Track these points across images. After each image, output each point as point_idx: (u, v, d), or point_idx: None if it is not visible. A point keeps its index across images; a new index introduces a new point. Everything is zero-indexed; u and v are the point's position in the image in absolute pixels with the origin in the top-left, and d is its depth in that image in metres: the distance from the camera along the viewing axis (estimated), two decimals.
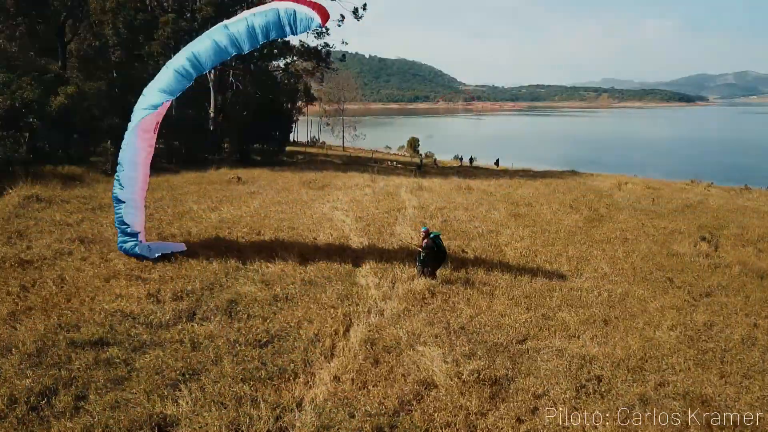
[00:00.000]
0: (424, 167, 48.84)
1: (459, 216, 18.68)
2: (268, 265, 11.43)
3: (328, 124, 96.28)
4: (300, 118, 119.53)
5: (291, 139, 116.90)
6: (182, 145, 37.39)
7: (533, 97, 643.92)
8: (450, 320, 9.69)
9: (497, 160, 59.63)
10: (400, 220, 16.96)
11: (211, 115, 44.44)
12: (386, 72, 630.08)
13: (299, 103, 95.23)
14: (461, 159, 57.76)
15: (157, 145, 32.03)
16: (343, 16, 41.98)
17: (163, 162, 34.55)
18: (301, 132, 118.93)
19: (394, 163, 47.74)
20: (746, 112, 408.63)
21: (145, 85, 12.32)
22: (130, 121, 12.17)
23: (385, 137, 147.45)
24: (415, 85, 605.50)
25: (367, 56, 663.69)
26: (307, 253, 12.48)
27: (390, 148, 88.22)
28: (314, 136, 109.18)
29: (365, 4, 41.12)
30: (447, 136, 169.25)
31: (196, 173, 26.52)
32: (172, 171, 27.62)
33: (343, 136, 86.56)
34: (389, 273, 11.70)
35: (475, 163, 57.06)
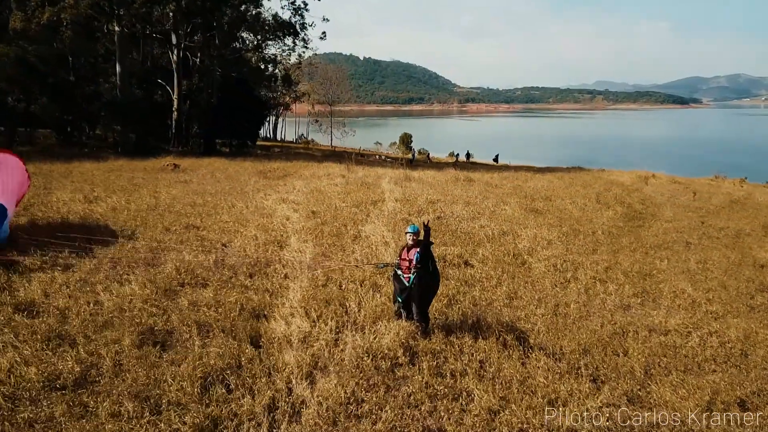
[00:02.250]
0: (416, 161, 43.73)
1: (458, 212, 13.44)
2: (97, 296, 6.15)
3: (317, 121, 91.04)
4: (288, 118, 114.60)
5: (277, 137, 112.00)
6: (135, 134, 32.04)
7: (528, 99, 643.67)
8: (446, 426, 4.45)
9: (496, 156, 54.55)
10: (373, 216, 11.68)
11: (175, 101, 39.10)
12: (381, 74, 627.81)
13: (287, 98, 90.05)
14: (457, 155, 52.65)
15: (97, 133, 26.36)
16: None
17: (108, 151, 29.18)
18: (290, 132, 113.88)
19: (383, 156, 42.53)
20: (740, 114, 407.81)
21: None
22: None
23: (377, 136, 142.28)
24: (409, 87, 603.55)
25: (361, 58, 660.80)
26: (192, 271, 7.20)
27: (381, 144, 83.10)
28: (302, 134, 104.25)
29: None
30: (442, 135, 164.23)
31: (129, 161, 21.20)
32: (101, 159, 22.25)
33: (332, 132, 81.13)
34: (334, 310, 6.45)
35: (472, 159, 51.96)
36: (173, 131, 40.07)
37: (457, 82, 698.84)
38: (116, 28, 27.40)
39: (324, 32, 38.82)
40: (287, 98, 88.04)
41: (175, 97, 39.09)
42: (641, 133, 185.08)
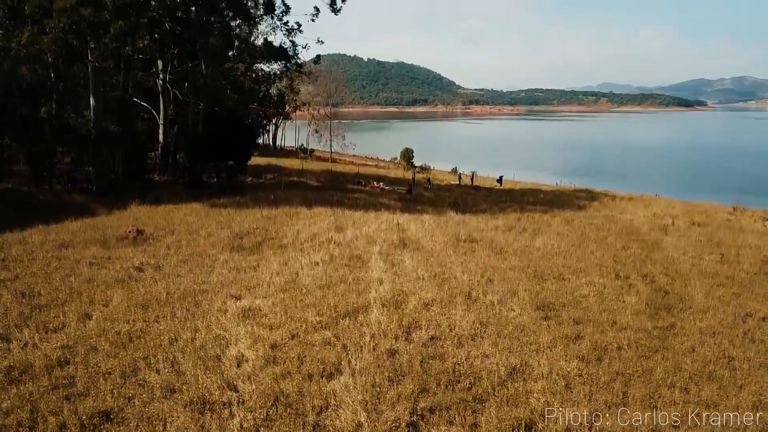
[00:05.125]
0: (416, 188, 41.71)
1: (458, 321, 11.25)
2: None
3: (317, 131, 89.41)
4: (288, 123, 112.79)
5: (278, 142, 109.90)
6: (117, 165, 29.88)
7: (532, 101, 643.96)
8: None
9: (500, 177, 52.54)
10: (351, 351, 9.46)
11: (160, 126, 37.11)
12: (385, 75, 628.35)
13: (287, 108, 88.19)
14: (460, 176, 50.49)
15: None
16: (317, 9, 34.66)
17: (80, 191, 27.04)
18: (290, 136, 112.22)
19: (381, 184, 40.37)
20: (747, 117, 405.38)
21: None
22: None
23: (380, 144, 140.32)
24: (413, 89, 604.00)
25: (365, 59, 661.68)
26: None
27: (383, 159, 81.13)
28: (302, 144, 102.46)
29: None
30: (445, 140, 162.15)
31: (85, 219, 19.10)
32: (59, 213, 20.15)
33: (331, 145, 79.01)
34: None
35: (476, 181, 49.97)
36: (159, 159, 38.11)
37: (461, 84, 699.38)
38: (89, 57, 25.30)
39: (318, 56, 36.44)
40: (287, 107, 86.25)
41: (160, 122, 37.13)
42: (648, 139, 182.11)
